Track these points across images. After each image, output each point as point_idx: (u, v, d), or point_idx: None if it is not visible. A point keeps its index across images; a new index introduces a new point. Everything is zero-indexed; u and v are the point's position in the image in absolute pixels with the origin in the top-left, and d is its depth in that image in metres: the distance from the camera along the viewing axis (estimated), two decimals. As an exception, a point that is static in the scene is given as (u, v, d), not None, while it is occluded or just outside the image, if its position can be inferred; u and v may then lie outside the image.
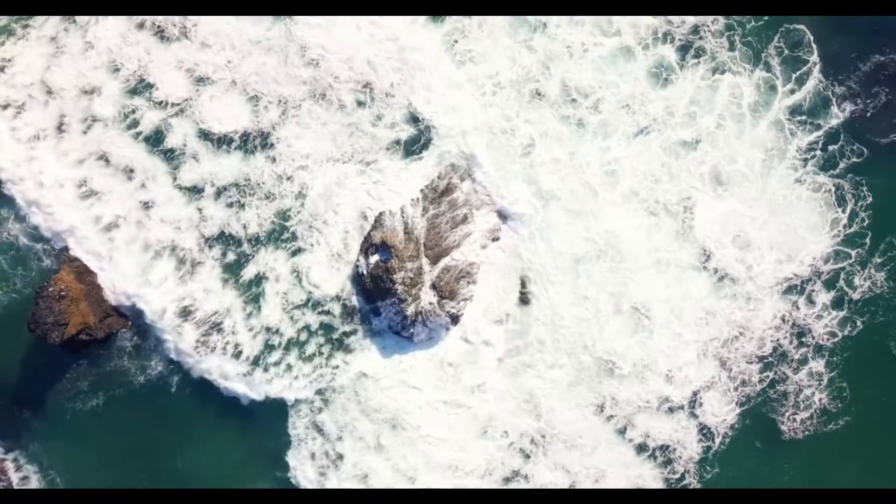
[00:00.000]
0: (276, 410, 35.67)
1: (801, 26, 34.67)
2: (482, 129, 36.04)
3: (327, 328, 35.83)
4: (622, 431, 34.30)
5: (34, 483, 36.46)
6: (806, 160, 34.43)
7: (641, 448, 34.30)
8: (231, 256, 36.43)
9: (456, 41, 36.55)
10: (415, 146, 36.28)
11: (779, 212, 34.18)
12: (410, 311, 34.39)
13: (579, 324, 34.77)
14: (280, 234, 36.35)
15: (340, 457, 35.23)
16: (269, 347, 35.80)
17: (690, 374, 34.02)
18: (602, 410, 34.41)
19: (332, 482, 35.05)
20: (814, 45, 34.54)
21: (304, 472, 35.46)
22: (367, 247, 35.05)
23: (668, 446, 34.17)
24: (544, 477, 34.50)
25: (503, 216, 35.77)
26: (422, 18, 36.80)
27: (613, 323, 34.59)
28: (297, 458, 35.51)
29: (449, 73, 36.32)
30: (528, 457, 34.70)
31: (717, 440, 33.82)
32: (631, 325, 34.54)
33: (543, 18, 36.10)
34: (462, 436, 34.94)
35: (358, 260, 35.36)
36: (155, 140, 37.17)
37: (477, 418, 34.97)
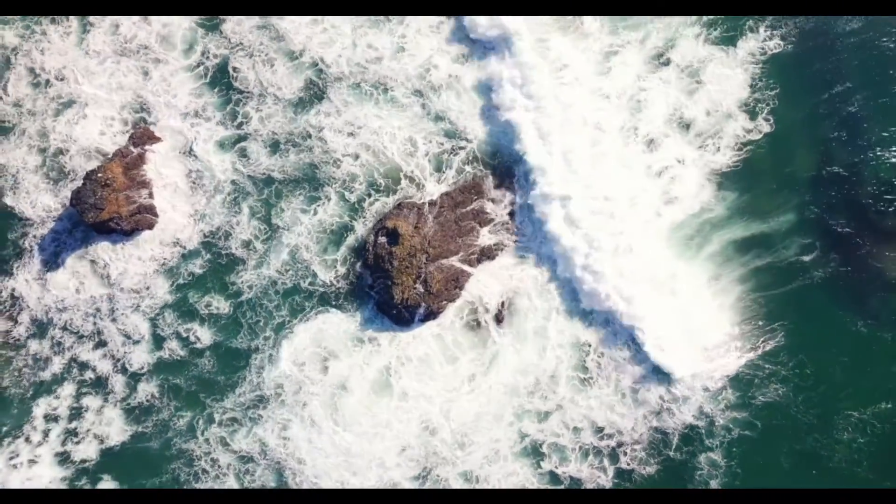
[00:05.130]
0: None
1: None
2: None
3: (320, 286, 39.06)
4: (530, 457, 35.72)
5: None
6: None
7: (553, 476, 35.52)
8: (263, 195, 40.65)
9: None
10: (444, 148, 39.81)
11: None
12: (398, 294, 37.41)
13: (533, 361, 36.82)
14: (303, 189, 40.36)
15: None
16: (270, 286, 39.38)
17: (619, 433, 35.30)
18: (515, 445, 35.83)
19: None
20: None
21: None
22: (380, 228, 38.29)
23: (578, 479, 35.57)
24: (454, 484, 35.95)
25: (505, 238, 38.74)
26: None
27: (564, 367, 36.37)
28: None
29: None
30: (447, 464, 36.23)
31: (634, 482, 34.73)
32: (577, 376, 36.27)
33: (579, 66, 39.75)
34: (391, 430, 36.78)
35: (368, 237, 38.69)
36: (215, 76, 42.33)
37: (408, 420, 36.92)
